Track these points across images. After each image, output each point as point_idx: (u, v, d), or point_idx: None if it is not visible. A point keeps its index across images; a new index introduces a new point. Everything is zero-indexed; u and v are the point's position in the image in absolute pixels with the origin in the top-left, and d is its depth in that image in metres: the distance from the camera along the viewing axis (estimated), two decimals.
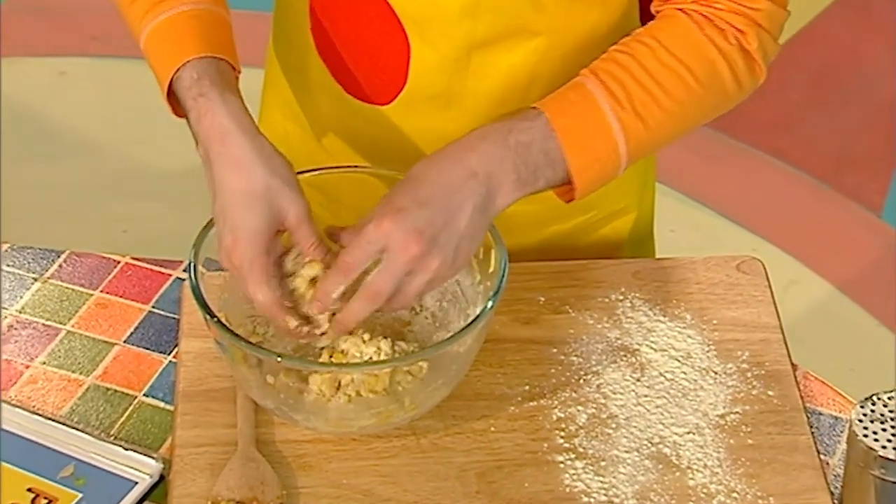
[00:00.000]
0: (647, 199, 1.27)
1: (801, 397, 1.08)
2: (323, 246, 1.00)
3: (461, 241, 0.97)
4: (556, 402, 1.07)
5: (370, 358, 1.04)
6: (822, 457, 1.04)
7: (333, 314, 1.00)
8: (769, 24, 1.06)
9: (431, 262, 0.96)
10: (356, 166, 1.15)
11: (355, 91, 1.14)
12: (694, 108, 1.06)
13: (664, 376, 1.09)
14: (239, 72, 1.04)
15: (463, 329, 0.99)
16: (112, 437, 1.05)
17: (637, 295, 1.15)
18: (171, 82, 1.02)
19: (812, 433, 1.05)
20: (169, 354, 1.12)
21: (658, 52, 1.03)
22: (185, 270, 1.16)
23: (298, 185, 1.00)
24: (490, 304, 0.99)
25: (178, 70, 1.01)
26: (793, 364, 1.11)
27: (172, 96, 1.03)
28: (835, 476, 1.04)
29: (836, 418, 1.08)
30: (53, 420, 1.05)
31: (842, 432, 1.07)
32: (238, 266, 0.98)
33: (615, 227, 1.24)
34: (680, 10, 1.06)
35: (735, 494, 1.01)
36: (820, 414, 1.09)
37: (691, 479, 1.02)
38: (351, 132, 1.17)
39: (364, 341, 1.05)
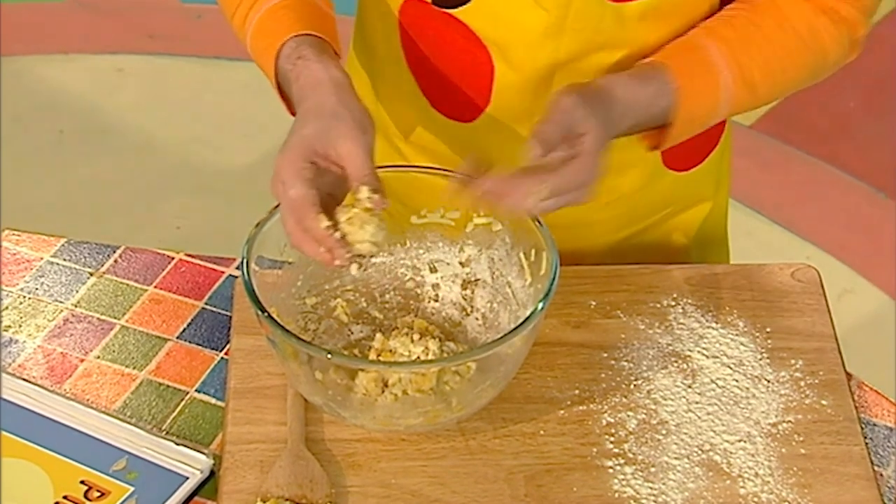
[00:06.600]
0: (722, 191, 1.27)
1: (856, 407, 1.07)
2: (375, 177, 0.96)
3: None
4: (605, 407, 1.06)
5: (418, 357, 1.04)
6: (875, 468, 1.03)
7: (360, 263, 0.97)
8: (871, 7, 1.10)
9: (587, 192, 0.99)
10: (418, 166, 1.14)
11: (441, 106, 1.15)
12: (792, 87, 1.10)
13: (716, 383, 1.08)
14: (339, 55, 1.04)
15: (512, 331, 0.98)
16: (164, 432, 1.06)
17: (689, 301, 1.14)
18: (276, 67, 1.02)
19: (866, 444, 1.04)
20: (221, 351, 1.13)
21: (787, 33, 1.06)
22: (237, 267, 1.17)
23: (369, 130, 0.97)
24: (540, 305, 0.99)
25: (278, 51, 1.01)
26: (847, 374, 1.10)
27: (284, 94, 1.03)
28: (889, 488, 1.03)
29: (891, 429, 1.07)
30: (107, 414, 1.07)
31: None
32: (277, 171, 0.95)
33: (686, 218, 1.24)
34: None
35: None
36: (874, 425, 1.07)
37: (742, 487, 1.01)
38: (431, 145, 1.18)
39: (413, 341, 1.06)
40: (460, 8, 1.07)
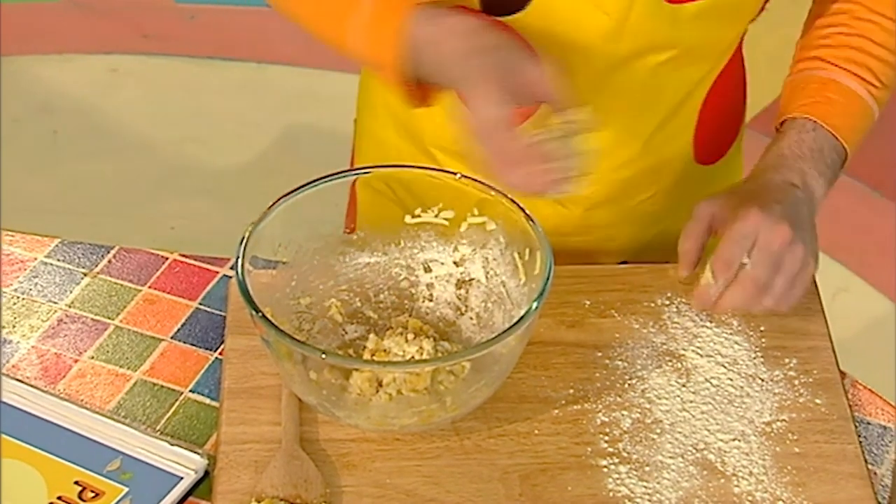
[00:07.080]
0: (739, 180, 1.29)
1: (850, 406, 1.07)
2: (570, 98, 0.96)
3: (808, 234, 1.06)
4: (600, 406, 1.06)
5: (412, 357, 1.04)
6: (869, 466, 1.03)
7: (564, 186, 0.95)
8: None
9: (797, 248, 1.04)
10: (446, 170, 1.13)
11: None
12: None
13: (710, 382, 1.08)
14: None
15: (506, 330, 0.99)
16: (158, 433, 1.06)
17: (683, 300, 1.14)
18: (403, 41, 0.97)
19: (860, 442, 1.04)
20: (215, 351, 1.13)
21: (884, 24, 1.14)
22: (232, 267, 1.17)
23: (538, 56, 0.97)
24: (534, 305, 0.99)
25: (404, 27, 0.97)
26: (841, 372, 1.10)
27: (408, 83, 0.99)
28: (882, 486, 1.03)
29: (885, 427, 1.07)
30: (101, 414, 1.07)
31: (890, 442, 1.06)
32: (468, 102, 0.93)
33: None
34: None
35: (780, 503, 1.00)
36: (868, 423, 1.08)
37: (736, 486, 1.01)
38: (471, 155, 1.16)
39: (407, 340, 1.06)
40: (514, 15, 1.06)
